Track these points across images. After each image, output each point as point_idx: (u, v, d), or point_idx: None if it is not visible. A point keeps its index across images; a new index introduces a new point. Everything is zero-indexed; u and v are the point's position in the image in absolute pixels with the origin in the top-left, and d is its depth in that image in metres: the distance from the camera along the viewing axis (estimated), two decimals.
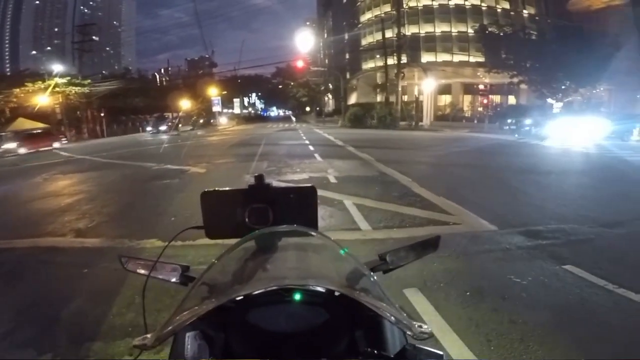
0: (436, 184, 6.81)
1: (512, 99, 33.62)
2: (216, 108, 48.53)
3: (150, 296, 2.94)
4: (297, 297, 0.62)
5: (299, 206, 0.91)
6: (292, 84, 65.18)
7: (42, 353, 2.36)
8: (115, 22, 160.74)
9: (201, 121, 44.25)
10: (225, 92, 56.17)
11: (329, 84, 55.79)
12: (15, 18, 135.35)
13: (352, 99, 46.26)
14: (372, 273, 0.71)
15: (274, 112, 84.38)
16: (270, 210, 0.89)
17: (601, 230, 4.42)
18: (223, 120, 51.34)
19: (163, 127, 35.23)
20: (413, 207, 5.43)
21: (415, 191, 6.38)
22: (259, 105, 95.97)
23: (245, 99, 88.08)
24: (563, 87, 23.69)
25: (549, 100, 24.75)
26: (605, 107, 24.22)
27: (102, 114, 35.38)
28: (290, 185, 0.97)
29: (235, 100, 75.13)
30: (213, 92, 48.96)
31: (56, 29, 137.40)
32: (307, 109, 59.41)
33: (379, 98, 36.87)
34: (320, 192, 5.59)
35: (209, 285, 0.69)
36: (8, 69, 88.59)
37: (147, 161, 12.17)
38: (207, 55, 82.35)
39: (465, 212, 5.11)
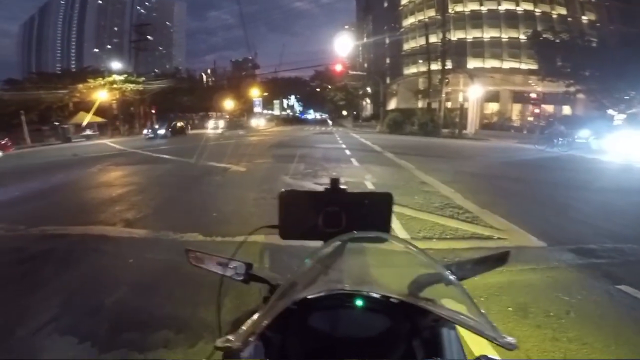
0: (481, 197, 6.49)
1: (566, 109, 31.54)
2: (257, 109, 49.88)
3: (185, 289, 3.05)
4: (359, 302, 0.62)
5: (373, 211, 0.91)
6: (329, 87, 65.61)
7: (82, 340, 2.45)
8: (167, 23, 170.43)
9: (223, 123, 39.70)
10: (266, 94, 57.68)
11: (367, 89, 55.50)
12: (81, 17, 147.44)
13: (392, 105, 45.69)
14: (456, 278, 0.67)
15: (311, 114, 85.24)
16: (343, 215, 0.90)
17: None
18: (255, 122, 46.55)
19: (162, 131, 28.57)
20: (455, 218, 5.21)
21: (458, 202, 6.12)
22: (297, 107, 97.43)
23: (285, 101, 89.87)
24: (626, 97, 21.80)
25: (610, 111, 22.89)
26: None
27: (153, 111, 37.50)
28: (365, 191, 0.97)
29: (275, 101, 77.01)
30: (255, 93, 50.44)
31: (115, 28, 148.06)
32: (344, 113, 59.46)
33: (420, 104, 36.11)
34: None
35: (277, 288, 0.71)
36: (73, 66, 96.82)
37: (192, 158, 12.76)
38: (250, 57, 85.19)
39: (511, 226, 4.82)
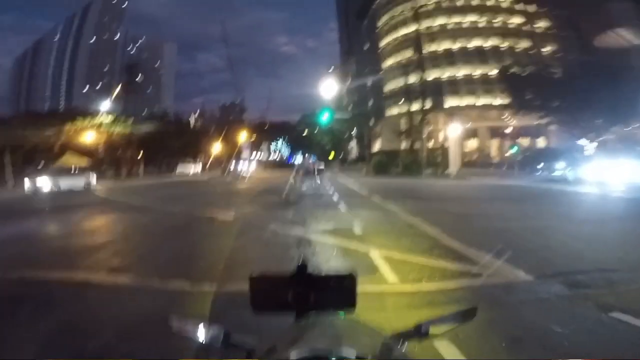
0: (466, 236, 6.58)
1: (541, 141, 32.78)
2: (245, 154, 50.15)
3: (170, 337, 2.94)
4: None
5: (339, 291, 1.02)
6: (316, 131, 67.02)
7: None
8: (156, 65, 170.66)
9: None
10: (252, 139, 58.43)
11: (352, 131, 56.87)
12: (73, 55, 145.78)
13: (377, 146, 46.76)
14: (406, 343, 0.80)
15: (298, 159, 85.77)
16: (312, 294, 0.99)
17: None
18: (240, 168, 42.37)
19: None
20: (443, 259, 5.23)
21: (445, 243, 6.19)
22: (285, 150, 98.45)
23: (272, 144, 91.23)
24: (593, 126, 22.61)
25: (581, 141, 23.66)
26: None
27: (140, 155, 37.12)
28: (329, 274, 1.07)
29: (262, 146, 78.03)
30: (242, 137, 51.17)
31: (105, 69, 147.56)
32: (331, 156, 60.19)
33: (403, 145, 37.10)
34: (346, 244, 5.53)
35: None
36: (62, 105, 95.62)
37: (179, 206, 12.61)
38: (236, 102, 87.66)
39: (498, 263, 4.84)
